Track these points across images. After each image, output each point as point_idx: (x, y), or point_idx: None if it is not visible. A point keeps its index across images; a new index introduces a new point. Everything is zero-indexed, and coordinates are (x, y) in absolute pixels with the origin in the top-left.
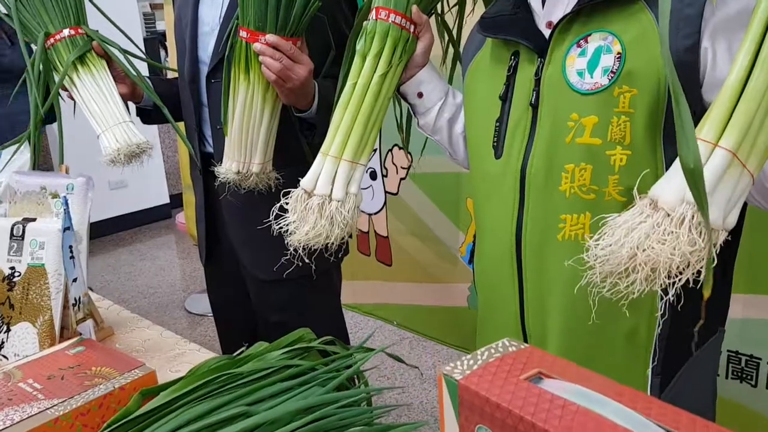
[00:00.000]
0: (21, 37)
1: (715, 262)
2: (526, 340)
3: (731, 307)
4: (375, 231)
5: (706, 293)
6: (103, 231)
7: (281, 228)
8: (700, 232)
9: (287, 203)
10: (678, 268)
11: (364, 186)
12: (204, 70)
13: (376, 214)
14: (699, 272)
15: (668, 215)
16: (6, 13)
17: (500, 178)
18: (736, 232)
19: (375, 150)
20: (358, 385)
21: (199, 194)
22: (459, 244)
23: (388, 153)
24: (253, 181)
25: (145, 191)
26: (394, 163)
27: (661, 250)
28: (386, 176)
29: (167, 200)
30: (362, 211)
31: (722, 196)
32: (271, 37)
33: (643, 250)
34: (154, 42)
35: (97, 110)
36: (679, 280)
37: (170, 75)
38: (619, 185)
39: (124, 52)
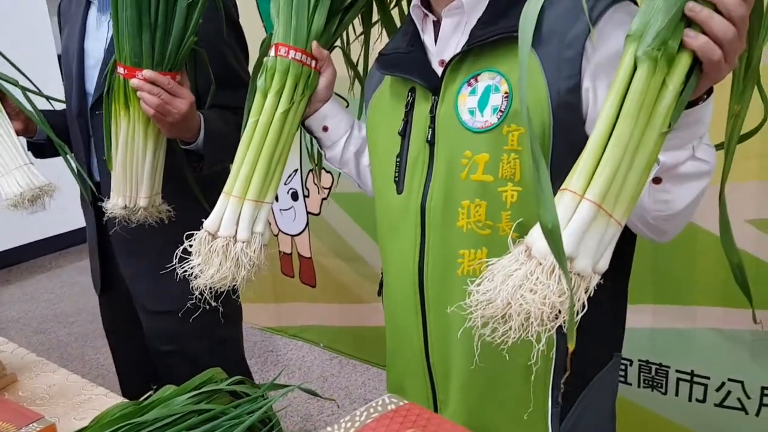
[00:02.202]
0: None
1: (586, 308)
2: (431, 376)
3: (641, 317)
4: (298, 252)
5: (571, 346)
6: (20, 257)
7: (185, 272)
8: (571, 281)
9: (191, 245)
10: (549, 316)
11: (286, 207)
12: (90, 101)
13: (298, 235)
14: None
15: (540, 264)
16: None
17: (402, 213)
18: (625, 263)
19: (296, 171)
20: (271, 424)
21: (90, 226)
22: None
23: (309, 173)
24: (142, 215)
25: (65, 214)
26: (315, 184)
27: (533, 300)
28: (308, 197)
29: None
30: (284, 233)
31: (590, 244)
32: (147, 73)
33: (517, 299)
34: None
35: None
36: (552, 328)
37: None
38: (511, 221)
39: (20, 87)
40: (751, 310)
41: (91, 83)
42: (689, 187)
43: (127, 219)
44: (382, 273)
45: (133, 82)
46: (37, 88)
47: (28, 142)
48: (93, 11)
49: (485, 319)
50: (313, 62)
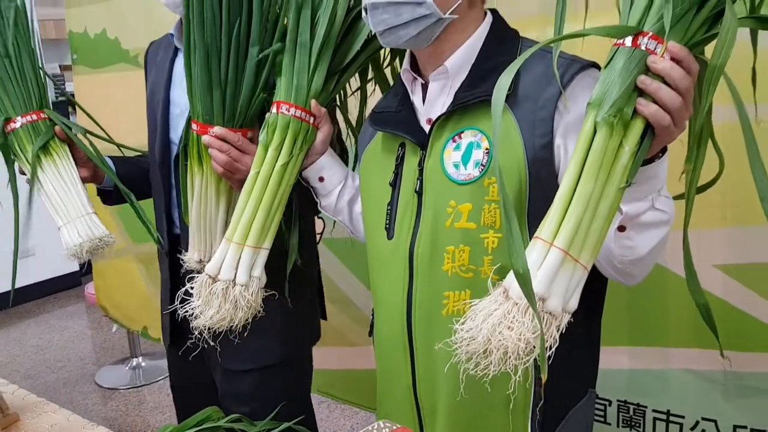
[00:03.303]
0: None
1: (557, 343)
2: (418, 411)
3: (619, 359)
4: None
5: (543, 377)
6: (7, 303)
7: (186, 312)
8: (543, 319)
9: (192, 287)
10: (524, 350)
11: None
12: (174, 150)
13: None
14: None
15: (516, 304)
16: None
17: (392, 258)
18: (597, 304)
19: None
20: None
21: (165, 275)
22: (371, 305)
23: None
24: None
25: (54, 259)
26: None
27: (509, 336)
28: None
29: (77, 267)
30: None
31: (560, 287)
32: (217, 129)
33: (497, 335)
34: (65, 105)
35: (59, 202)
36: (527, 361)
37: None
38: (492, 265)
39: (88, 133)
40: (720, 350)
41: (175, 132)
42: (650, 235)
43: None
44: (372, 314)
45: (204, 138)
46: (109, 136)
47: (96, 188)
48: (180, 59)
49: (468, 354)
50: (312, 119)
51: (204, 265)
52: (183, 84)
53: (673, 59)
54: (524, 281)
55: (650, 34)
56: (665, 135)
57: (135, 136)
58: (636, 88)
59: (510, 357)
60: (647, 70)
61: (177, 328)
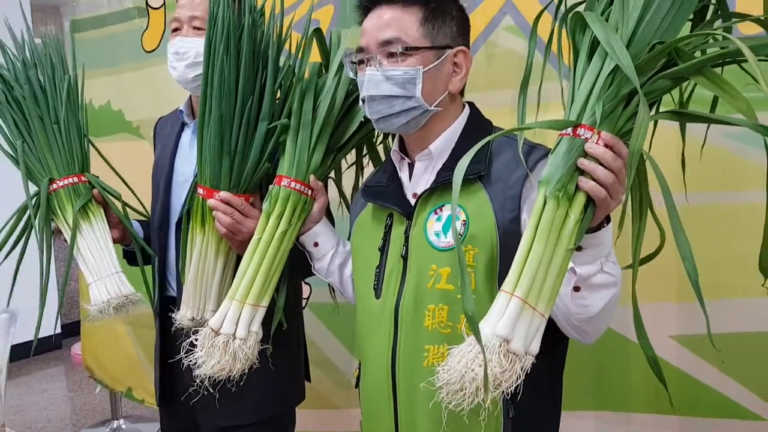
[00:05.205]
0: (25, 180)
1: (523, 377)
2: None
3: (585, 423)
4: None
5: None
6: None
7: (191, 362)
8: (508, 358)
9: (197, 339)
10: (492, 384)
11: None
12: (174, 216)
13: None
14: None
15: (485, 346)
16: (12, 155)
17: (379, 315)
18: (559, 356)
19: None
20: None
21: (156, 336)
22: (353, 370)
23: None
24: None
25: (31, 321)
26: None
27: (480, 372)
28: None
29: (59, 330)
30: None
31: (520, 331)
32: (223, 194)
33: (469, 372)
34: None
35: (91, 260)
36: (496, 392)
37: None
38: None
39: (121, 201)
40: (675, 416)
41: (177, 199)
42: (601, 295)
43: (193, 331)
44: (358, 368)
45: (210, 202)
46: (141, 202)
47: (123, 249)
48: (187, 133)
49: (448, 392)
50: (310, 191)
51: (195, 323)
52: (187, 155)
53: (606, 145)
54: (470, 320)
55: (587, 125)
56: (604, 206)
57: (134, 203)
58: (577, 168)
59: (481, 390)
60: (585, 154)
61: (167, 388)
